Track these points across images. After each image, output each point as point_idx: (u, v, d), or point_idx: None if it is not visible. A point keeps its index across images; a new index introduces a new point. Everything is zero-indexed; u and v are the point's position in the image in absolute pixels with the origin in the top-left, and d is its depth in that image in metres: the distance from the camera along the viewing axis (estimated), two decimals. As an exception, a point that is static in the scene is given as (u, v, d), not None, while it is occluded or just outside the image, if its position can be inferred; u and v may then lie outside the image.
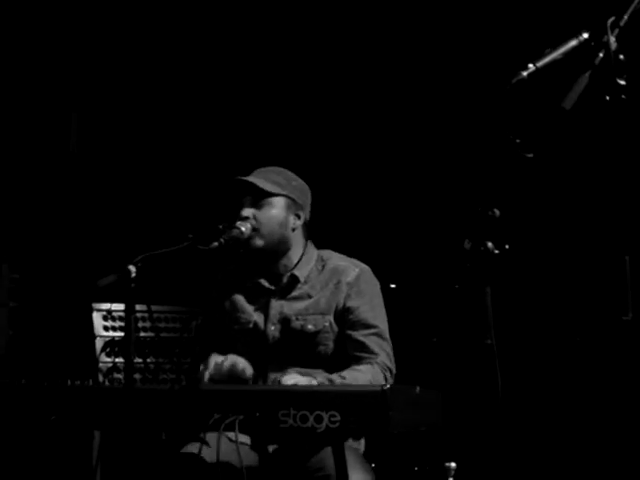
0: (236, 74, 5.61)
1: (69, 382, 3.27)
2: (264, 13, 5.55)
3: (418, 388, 3.10)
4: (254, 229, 3.70)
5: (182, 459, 3.47)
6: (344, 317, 3.68)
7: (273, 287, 3.77)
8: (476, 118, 4.95)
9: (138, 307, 3.41)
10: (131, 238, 5.44)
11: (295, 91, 5.49)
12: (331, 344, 3.68)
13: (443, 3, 5.20)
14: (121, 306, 3.97)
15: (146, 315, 4.24)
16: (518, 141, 2.85)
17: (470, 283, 2.95)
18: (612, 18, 2.81)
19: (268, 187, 3.72)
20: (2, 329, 5.25)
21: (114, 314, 4.27)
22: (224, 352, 3.72)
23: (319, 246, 3.86)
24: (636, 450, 3.87)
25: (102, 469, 3.75)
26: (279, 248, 3.75)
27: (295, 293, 3.75)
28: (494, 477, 4.14)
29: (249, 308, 3.78)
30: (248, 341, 3.75)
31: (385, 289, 3.82)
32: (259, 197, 3.73)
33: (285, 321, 3.71)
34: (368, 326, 3.67)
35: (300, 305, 3.72)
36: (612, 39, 2.79)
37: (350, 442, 3.55)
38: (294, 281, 3.75)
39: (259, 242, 3.71)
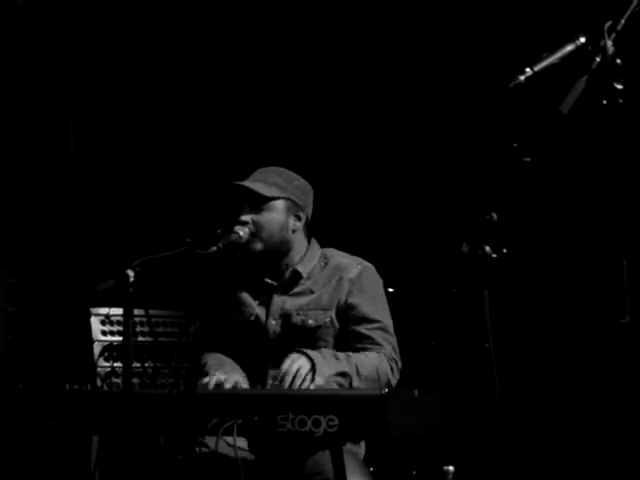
0: (235, 77, 5.61)
1: (67, 387, 3.27)
2: (263, 15, 5.55)
3: (416, 392, 3.10)
4: (252, 234, 3.70)
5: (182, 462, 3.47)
6: (346, 314, 3.69)
7: (276, 283, 3.78)
8: (474, 122, 4.95)
9: (136, 312, 3.42)
10: (129, 242, 5.44)
11: (302, 95, 5.49)
12: (331, 340, 3.69)
13: (441, 8, 5.21)
14: (119, 310, 3.98)
15: (144, 320, 4.25)
16: (515, 145, 2.85)
17: (468, 287, 2.95)
18: (609, 22, 2.82)
19: (266, 191, 3.72)
20: (0, 334, 5.25)
21: (112, 318, 4.28)
22: (226, 348, 3.76)
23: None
24: (636, 454, 3.87)
25: (100, 474, 3.75)
26: (280, 249, 3.76)
27: (297, 289, 3.76)
28: (492, 481, 4.14)
29: (252, 302, 3.80)
30: (249, 334, 3.76)
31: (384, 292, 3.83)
32: (258, 201, 3.73)
33: (286, 316, 3.72)
34: (371, 321, 3.67)
35: (302, 300, 3.73)
36: (609, 43, 2.80)
37: (349, 446, 3.56)
38: (296, 277, 3.76)
39: (258, 246, 3.72)
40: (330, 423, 2.95)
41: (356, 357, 3.56)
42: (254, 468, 3.44)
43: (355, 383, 3.48)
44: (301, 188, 3.81)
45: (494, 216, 2.90)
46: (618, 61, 2.81)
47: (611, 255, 2.83)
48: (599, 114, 2.79)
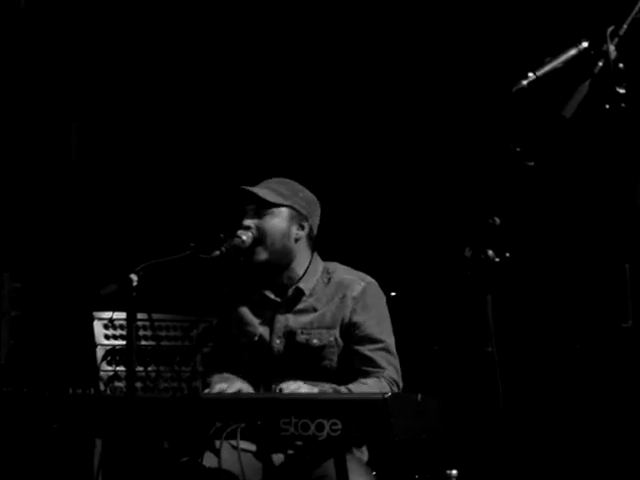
0: (240, 84, 5.62)
1: (70, 391, 3.27)
2: (267, 20, 5.55)
3: (419, 396, 3.11)
4: (255, 239, 3.69)
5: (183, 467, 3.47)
6: (350, 332, 3.67)
7: (279, 299, 3.76)
8: (477, 127, 4.95)
9: (139, 316, 3.42)
10: (132, 247, 5.44)
11: (301, 103, 5.49)
12: (335, 358, 3.68)
13: (444, 13, 5.22)
14: (122, 315, 3.97)
15: (147, 324, 4.25)
16: (519, 149, 2.86)
17: (471, 291, 2.96)
18: (612, 27, 2.82)
19: (271, 197, 3.72)
20: (4, 338, 5.26)
21: (115, 323, 4.28)
22: (232, 362, 3.75)
23: (322, 256, 3.85)
24: (637, 458, 3.86)
25: (104, 477, 3.75)
26: (282, 260, 3.73)
27: (300, 306, 3.73)
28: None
29: (255, 321, 3.77)
30: (254, 353, 3.75)
31: (386, 297, 3.82)
32: (262, 207, 3.72)
33: (290, 335, 3.70)
34: (375, 341, 3.66)
35: (305, 319, 3.71)
36: (612, 48, 2.80)
37: (352, 450, 3.55)
38: (299, 294, 3.74)
39: (262, 255, 3.69)
40: (333, 427, 2.96)
41: (356, 390, 3.53)
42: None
43: None
44: (306, 199, 3.79)
45: (497, 220, 2.90)
46: (621, 66, 2.81)
47: (613, 259, 2.83)
48: (602, 118, 2.80)
